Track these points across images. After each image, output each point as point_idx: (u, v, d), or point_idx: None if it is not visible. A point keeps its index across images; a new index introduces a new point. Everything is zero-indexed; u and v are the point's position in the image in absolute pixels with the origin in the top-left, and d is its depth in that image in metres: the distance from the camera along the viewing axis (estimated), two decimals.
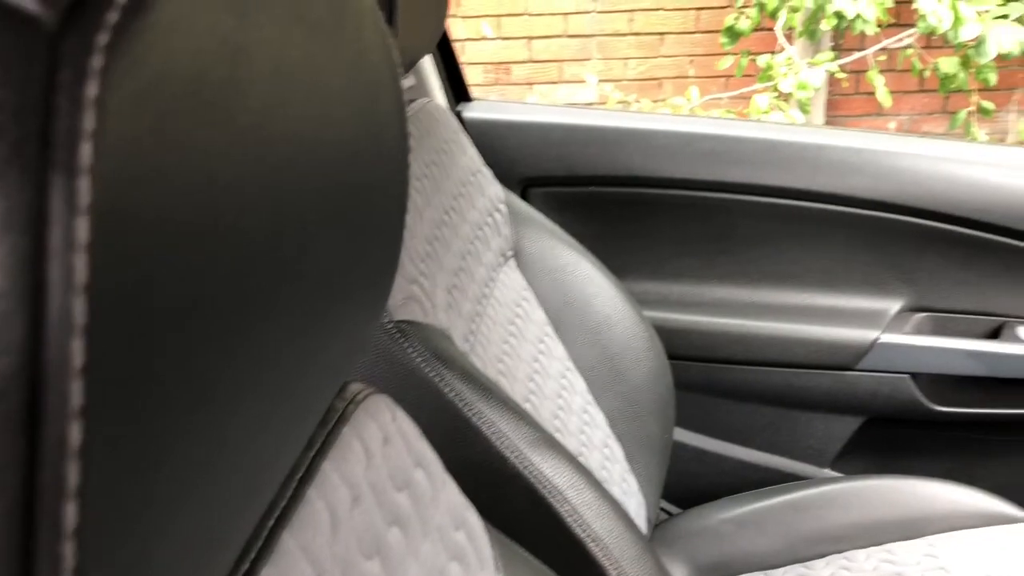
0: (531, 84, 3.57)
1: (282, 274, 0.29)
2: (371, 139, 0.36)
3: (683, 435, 1.37)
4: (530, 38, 3.49)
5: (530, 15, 3.45)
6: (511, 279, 1.06)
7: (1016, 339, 1.28)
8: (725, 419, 1.39)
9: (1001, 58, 2.79)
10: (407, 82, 1.24)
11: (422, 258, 0.82)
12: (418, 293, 0.78)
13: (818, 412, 1.36)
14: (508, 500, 0.72)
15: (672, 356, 1.19)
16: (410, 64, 0.94)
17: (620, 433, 1.10)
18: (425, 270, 0.82)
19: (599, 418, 1.08)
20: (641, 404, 1.13)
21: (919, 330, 1.31)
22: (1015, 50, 2.72)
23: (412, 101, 1.02)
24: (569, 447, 0.98)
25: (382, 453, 0.48)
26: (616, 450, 1.09)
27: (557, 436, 0.97)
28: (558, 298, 1.11)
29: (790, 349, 1.32)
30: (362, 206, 0.36)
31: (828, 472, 1.37)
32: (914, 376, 1.29)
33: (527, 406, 0.94)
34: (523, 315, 1.04)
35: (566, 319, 1.10)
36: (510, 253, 1.09)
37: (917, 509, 1.15)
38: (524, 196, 1.34)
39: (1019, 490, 1.36)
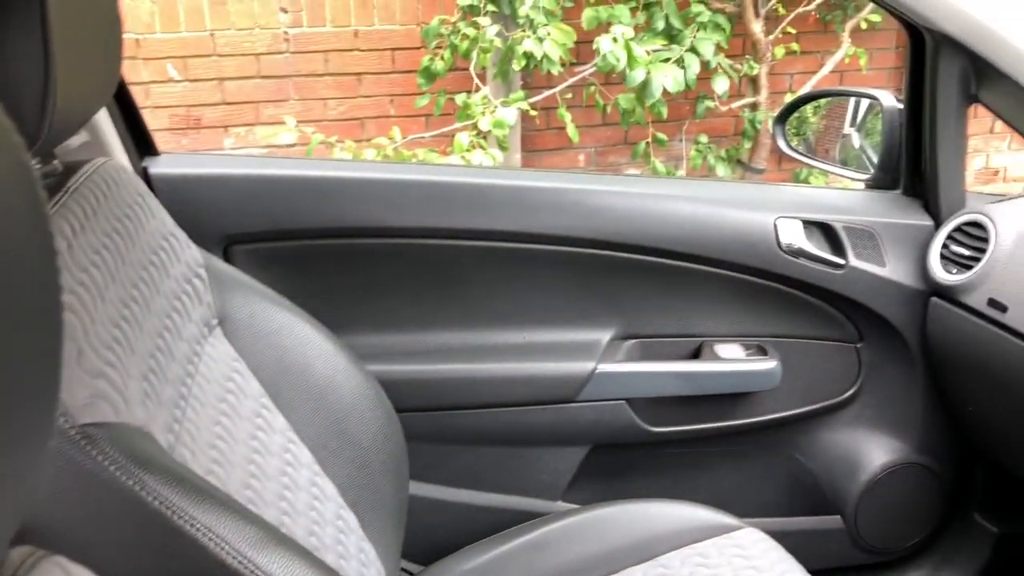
0: (226, 127, 3.40)
1: None
2: None
3: (418, 488, 1.33)
4: (221, 79, 3.32)
5: (219, 56, 3.29)
6: (219, 351, 0.96)
7: (715, 357, 1.38)
8: (458, 466, 1.37)
9: (669, 93, 3.07)
10: (78, 139, 1.10)
11: (108, 345, 0.71)
12: (106, 388, 0.67)
13: (546, 446, 1.38)
14: None
15: (401, 409, 1.15)
16: (80, 121, 0.82)
17: (353, 501, 1.04)
18: (114, 359, 0.71)
19: (329, 489, 1.01)
20: (372, 467, 1.07)
21: (630, 357, 1.37)
22: (677, 89, 3.00)
23: (86, 162, 0.90)
24: (299, 528, 0.90)
25: None
26: (350, 520, 1.02)
27: (285, 519, 0.89)
28: (274, 365, 1.02)
29: (514, 388, 1.33)
30: None
31: (561, 504, 1.39)
32: (630, 401, 1.35)
33: (248, 493, 0.85)
34: (236, 389, 0.95)
35: (285, 387, 1.02)
36: (215, 322, 0.99)
37: (647, 531, 1.19)
38: (227, 256, 1.24)
39: (733, 497, 1.47)
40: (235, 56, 3.31)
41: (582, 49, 3.18)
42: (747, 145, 3.63)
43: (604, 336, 1.37)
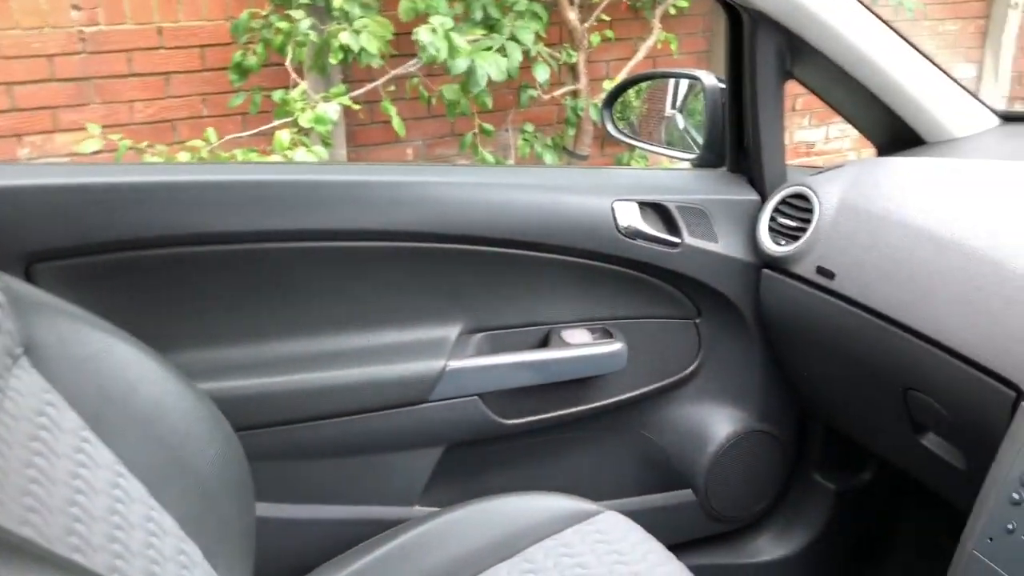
0: (19, 136, 3.12)
1: None
2: None
3: (266, 509, 1.25)
4: (10, 84, 3.04)
5: (5, 57, 3.01)
6: (26, 383, 0.86)
7: (563, 343, 1.37)
8: (307, 481, 1.29)
9: (493, 83, 3.07)
10: None
11: None
12: None
13: (398, 451, 1.33)
14: None
15: (241, 428, 1.07)
16: None
17: (195, 532, 0.95)
18: None
19: (167, 523, 0.92)
20: (213, 493, 0.99)
21: (480, 351, 1.34)
22: (500, 78, 3.00)
23: None
24: (135, 571, 0.81)
25: None
26: (193, 553, 0.94)
27: (119, 563, 0.80)
28: (93, 393, 0.92)
29: (361, 395, 1.27)
30: None
31: (419, 510, 1.35)
32: (482, 396, 1.32)
33: (73, 540, 0.75)
34: (50, 424, 0.85)
35: (108, 416, 0.92)
36: (19, 351, 0.88)
37: (508, 527, 1.17)
38: (29, 276, 1.11)
39: (589, 482, 1.47)
40: (24, 58, 3.03)
41: (402, 41, 3.12)
42: (571, 132, 3.69)
43: (452, 332, 1.33)
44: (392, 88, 3.20)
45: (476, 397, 1.31)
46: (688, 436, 1.49)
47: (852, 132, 4.42)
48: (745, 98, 1.38)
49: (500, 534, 1.16)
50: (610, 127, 1.60)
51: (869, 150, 1.51)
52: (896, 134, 1.41)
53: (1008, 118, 1.44)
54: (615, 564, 1.12)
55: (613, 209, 1.34)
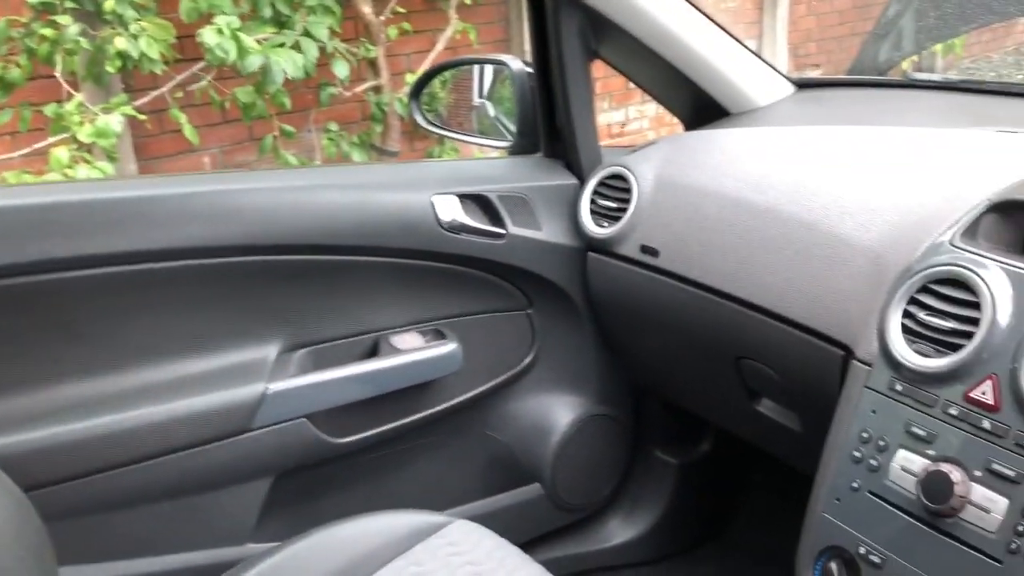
0: None
1: None
2: None
3: (74, 573, 1.11)
4: None
5: None
6: None
7: (393, 350, 1.29)
8: (119, 535, 1.15)
9: (291, 82, 2.93)
10: None
11: None
12: None
13: (222, 488, 1.21)
14: None
15: (32, 487, 0.93)
16: None
17: None
18: None
19: None
20: (7, 566, 0.85)
21: (303, 369, 1.24)
22: (298, 75, 2.87)
23: None
24: None
25: None
26: None
27: None
28: None
29: (173, 432, 1.14)
30: None
31: (251, 548, 1.23)
32: (310, 417, 1.22)
33: None
34: None
35: None
36: None
37: (352, 553, 1.08)
38: None
39: (436, 490, 1.40)
40: None
41: (187, 44, 2.92)
42: (378, 129, 3.59)
43: (271, 352, 1.22)
44: (180, 95, 2.98)
45: (303, 419, 1.21)
46: (531, 429, 1.45)
47: (649, 112, 4.58)
48: (553, 81, 1.35)
49: (344, 562, 1.07)
50: (419, 119, 1.53)
51: (667, 128, 1.53)
52: (702, 108, 1.43)
53: (801, 84, 1.49)
54: (464, 570, 1.06)
55: (433, 204, 1.28)
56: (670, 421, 1.56)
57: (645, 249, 1.27)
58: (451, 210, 1.28)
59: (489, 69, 1.56)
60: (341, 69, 3.12)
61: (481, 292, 1.36)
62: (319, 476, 1.30)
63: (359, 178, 1.32)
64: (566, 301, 1.40)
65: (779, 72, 1.48)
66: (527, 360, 1.42)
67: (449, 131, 1.57)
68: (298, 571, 1.06)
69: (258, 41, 2.82)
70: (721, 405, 1.35)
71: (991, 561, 0.79)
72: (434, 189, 1.28)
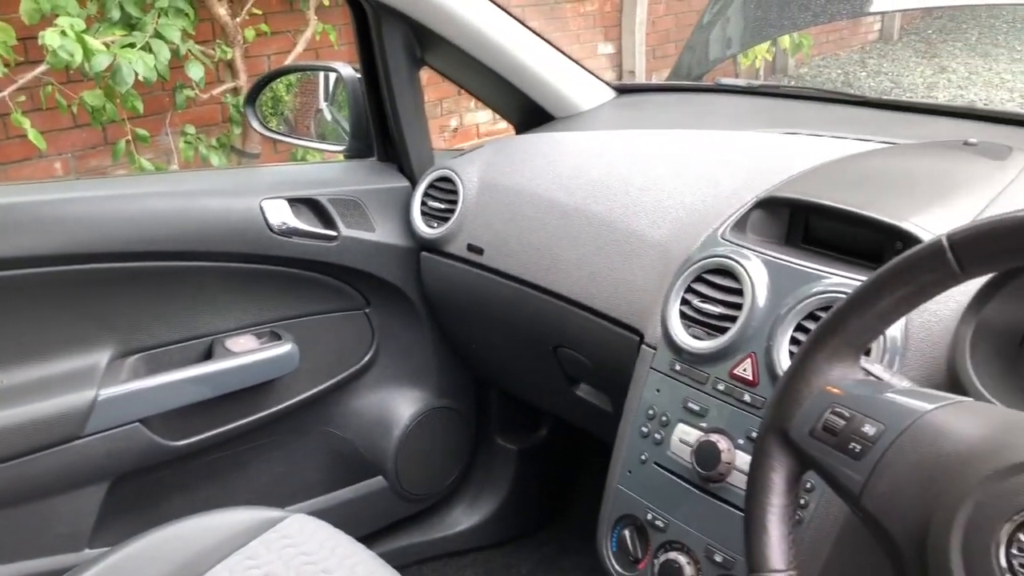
0: None
1: None
2: None
3: None
4: None
5: None
6: None
7: (228, 353, 1.32)
8: None
9: (144, 85, 2.87)
10: None
11: None
12: None
13: (58, 495, 1.22)
14: None
15: None
16: None
17: None
18: None
19: None
20: None
21: (136, 374, 1.25)
22: (149, 76, 2.82)
23: None
24: None
25: None
26: None
27: None
28: None
29: (5, 440, 1.14)
30: None
31: (88, 553, 1.24)
32: (144, 421, 1.24)
33: None
34: None
35: None
36: None
37: (188, 552, 1.11)
38: None
39: (280, 488, 1.44)
40: None
41: (31, 46, 2.83)
42: (237, 131, 3.55)
43: (102, 358, 1.23)
44: (22, 99, 2.89)
45: (137, 423, 1.23)
46: (373, 424, 1.51)
47: None
48: (381, 88, 1.40)
49: (180, 560, 1.10)
50: (255, 124, 1.56)
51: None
52: (529, 112, 1.51)
53: (622, 90, 1.59)
54: (304, 566, 1.10)
55: (262, 208, 1.31)
56: (509, 410, 1.64)
57: (471, 248, 1.34)
58: (281, 214, 1.32)
59: (331, 77, 1.60)
60: (195, 71, 3.08)
61: (317, 293, 1.40)
62: (158, 479, 1.31)
63: (186, 185, 1.34)
64: (403, 300, 1.46)
65: (600, 79, 1.58)
66: (367, 358, 1.48)
67: (287, 136, 1.61)
68: (133, 572, 1.08)
69: (106, 44, 2.76)
70: (547, 392, 1.43)
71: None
72: (264, 194, 1.32)
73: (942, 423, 0.58)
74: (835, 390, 0.63)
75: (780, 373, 0.89)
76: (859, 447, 0.60)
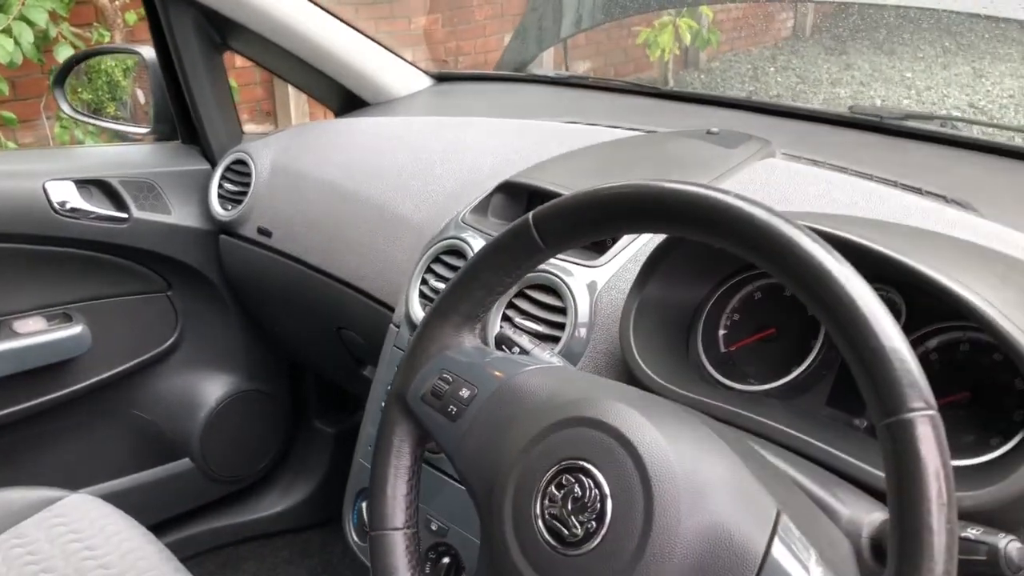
0: None
1: None
2: None
3: None
4: None
5: None
6: None
7: (12, 334, 1.32)
8: None
9: (10, 68, 2.81)
10: None
11: None
12: None
13: None
14: None
15: None
16: None
17: None
18: None
19: None
20: None
21: None
22: (15, 59, 2.76)
23: None
24: None
25: None
26: None
27: None
28: None
29: None
30: None
31: None
32: None
33: None
34: None
35: None
36: None
37: None
38: None
39: (80, 469, 1.43)
40: None
41: None
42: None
43: None
44: None
45: None
46: (178, 406, 1.51)
47: None
48: (177, 72, 1.40)
49: None
50: (64, 106, 1.55)
51: None
52: (342, 98, 1.52)
53: (441, 78, 1.62)
54: (71, 544, 1.11)
55: (46, 189, 1.31)
56: (326, 393, 1.66)
57: (261, 231, 1.35)
58: (66, 195, 1.32)
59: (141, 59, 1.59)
60: (63, 53, 3.02)
61: (112, 276, 1.40)
62: None
63: None
64: (205, 282, 1.47)
65: (416, 67, 1.60)
66: (171, 340, 1.48)
67: (94, 119, 1.60)
68: None
69: None
70: (343, 372, 1.45)
71: (459, 485, 0.93)
72: (48, 176, 1.32)
73: (521, 385, 0.62)
74: (449, 356, 0.67)
75: None
76: (455, 410, 0.64)
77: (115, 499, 1.17)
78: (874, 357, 0.45)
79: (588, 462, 0.54)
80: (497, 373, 0.64)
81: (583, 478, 0.54)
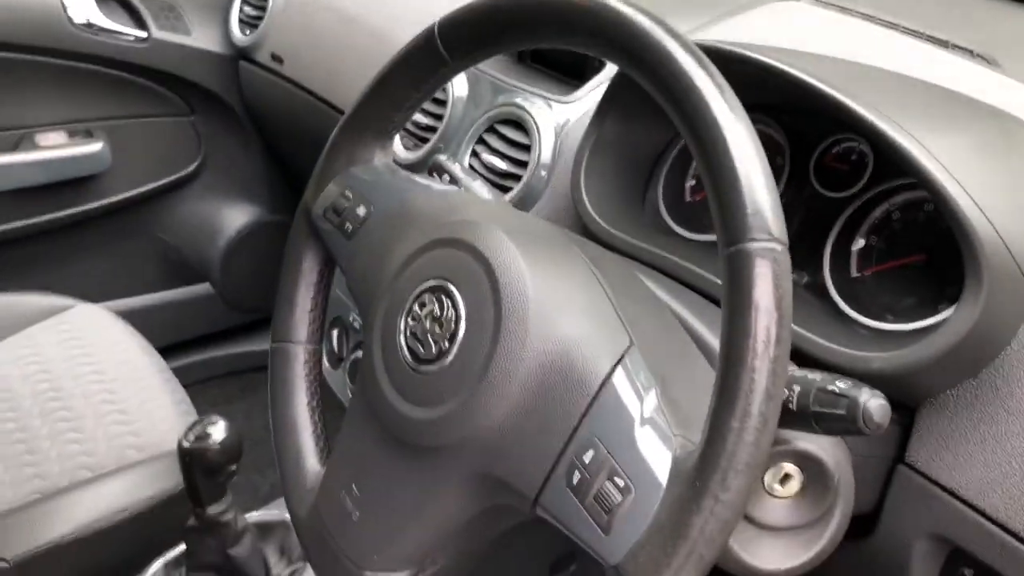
0: None
1: None
2: None
3: None
4: None
5: None
6: None
7: (35, 147, 1.34)
8: None
9: None
10: None
11: None
12: None
13: None
14: None
15: None
16: None
17: None
18: None
19: None
20: None
21: None
22: None
23: None
24: None
25: None
26: None
27: None
28: None
29: None
30: None
31: None
32: None
33: None
34: None
35: None
36: None
37: None
38: None
39: (105, 283, 1.47)
40: None
41: None
42: None
43: None
44: None
45: None
46: (200, 232, 1.54)
47: None
48: None
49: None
50: None
51: None
52: None
53: None
54: (73, 350, 1.16)
55: (63, 2, 1.30)
56: None
57: (274, 57, 1.33)
58: (84, 9, 1.31)
59: None
60: None
61: (134, 96, 1.40)
62: None
63: None
64: (226, 109, 1.46)
65: None
66: (193, 166, 1.49)
67: None
68: None
69: None
70: None
71: None
72: None
73: (411, 206, 0.59)
74: (354, 172, 0.64)
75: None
76: (351, 227, 0.61)
77: (130, 316, 1.21)
78: (723, 180, 0.41)
79: (450, 282, 0.52)
80: (396, 188, 0.61)
81: (444, 298, 0.52)
